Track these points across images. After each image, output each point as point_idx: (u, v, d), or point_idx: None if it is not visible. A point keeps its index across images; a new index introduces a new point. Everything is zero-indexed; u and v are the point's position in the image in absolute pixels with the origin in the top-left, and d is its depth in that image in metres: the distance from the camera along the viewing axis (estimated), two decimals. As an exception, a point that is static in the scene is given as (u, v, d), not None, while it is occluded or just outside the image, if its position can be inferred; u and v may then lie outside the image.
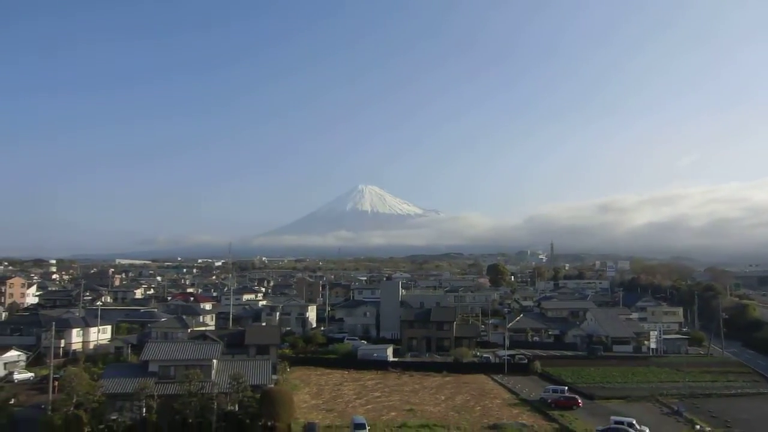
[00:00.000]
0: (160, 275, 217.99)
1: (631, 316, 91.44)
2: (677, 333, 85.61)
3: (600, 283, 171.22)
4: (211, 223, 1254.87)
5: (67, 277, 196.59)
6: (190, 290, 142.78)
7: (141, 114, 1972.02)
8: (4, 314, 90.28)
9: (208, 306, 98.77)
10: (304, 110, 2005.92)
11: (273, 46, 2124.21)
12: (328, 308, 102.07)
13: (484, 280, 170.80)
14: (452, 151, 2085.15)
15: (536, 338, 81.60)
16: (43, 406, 42.59)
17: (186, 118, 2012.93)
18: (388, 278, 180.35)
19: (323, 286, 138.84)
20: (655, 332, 76.13)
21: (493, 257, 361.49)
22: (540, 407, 47.78)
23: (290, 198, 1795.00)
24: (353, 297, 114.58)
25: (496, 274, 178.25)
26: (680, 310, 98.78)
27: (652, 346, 74.60)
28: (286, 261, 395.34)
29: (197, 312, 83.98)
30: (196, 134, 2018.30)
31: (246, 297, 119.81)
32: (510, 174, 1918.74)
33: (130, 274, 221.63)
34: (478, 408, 46.77)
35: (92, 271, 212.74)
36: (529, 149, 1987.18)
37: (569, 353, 73.84)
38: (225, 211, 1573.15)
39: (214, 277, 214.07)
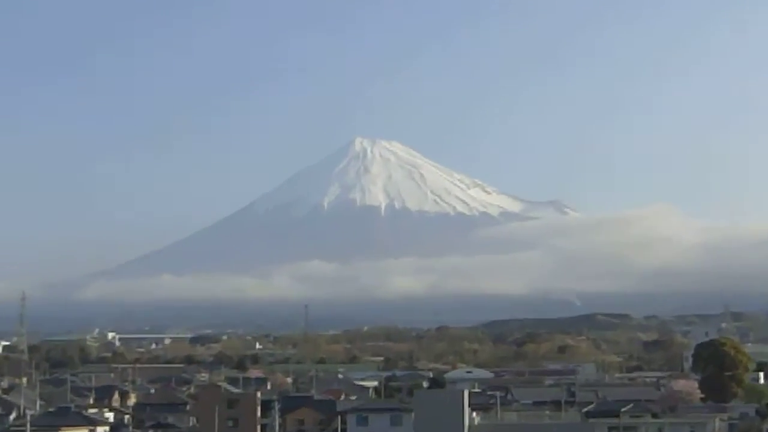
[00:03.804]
0: None
1: None
2: None
3: None
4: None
5: None
6: None
7: None
8: None
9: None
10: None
11: None
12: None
13: (689, 384, 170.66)
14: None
15: None
16: None
17: None
18: (435, 383, 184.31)
19: (266, 404, 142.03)
20: None
21: (710, 321, 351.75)
22: None
23: (182, 177, 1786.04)
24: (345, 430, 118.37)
25: (718, 364, 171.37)
26: None
27: None
28: (167, 342, 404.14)
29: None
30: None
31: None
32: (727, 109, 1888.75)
33: None
34: None
35: None
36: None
37: None
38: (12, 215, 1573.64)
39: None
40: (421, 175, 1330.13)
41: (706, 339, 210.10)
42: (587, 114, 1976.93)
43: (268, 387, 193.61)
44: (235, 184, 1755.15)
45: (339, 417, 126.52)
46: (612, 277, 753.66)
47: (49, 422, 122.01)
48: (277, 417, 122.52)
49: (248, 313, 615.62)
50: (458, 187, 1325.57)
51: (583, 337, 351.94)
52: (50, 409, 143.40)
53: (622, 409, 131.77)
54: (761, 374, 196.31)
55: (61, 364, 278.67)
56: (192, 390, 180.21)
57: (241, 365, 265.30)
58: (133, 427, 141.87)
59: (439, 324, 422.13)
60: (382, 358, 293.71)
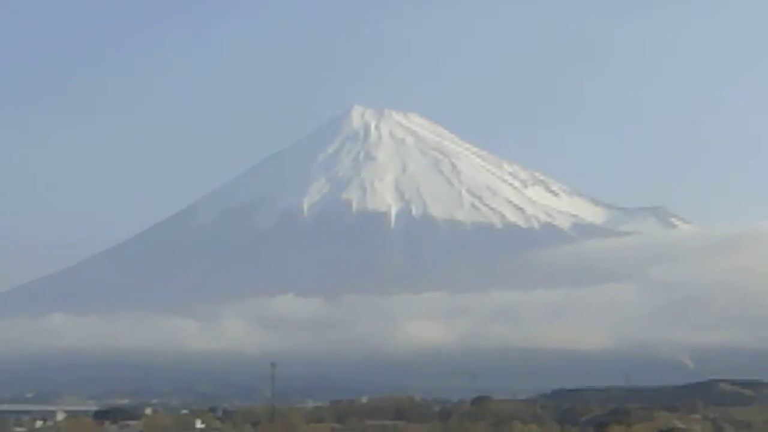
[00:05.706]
0: None
1: None
2: None
3: None
4: None
5: None
6: None
7: None
8: None
9: None
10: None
11: None
12: None
13: None
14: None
15: None
16: None
17: None
18: None
19: None
20: None
21: None
22: None
23: (80, 164, 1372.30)
24: None
25: None
26: None
27: None
28: (60, 417, 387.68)
29: None
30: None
31: None
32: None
33: None
34: None
35: None
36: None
37: None
38: None
39: None
40: (453, 166, 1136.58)
41: None
42: (707, 75, 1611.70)
43: None
44: (167, 175, 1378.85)
45: None
46: (741, 326, 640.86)
47: None
48: None
49: (184, 375, 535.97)
50: (509, 184, 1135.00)
51: (698, 416, 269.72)
52: None
53: None
54: None
55: None
56: None
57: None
58: None
59: (478, 393, 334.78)
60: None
